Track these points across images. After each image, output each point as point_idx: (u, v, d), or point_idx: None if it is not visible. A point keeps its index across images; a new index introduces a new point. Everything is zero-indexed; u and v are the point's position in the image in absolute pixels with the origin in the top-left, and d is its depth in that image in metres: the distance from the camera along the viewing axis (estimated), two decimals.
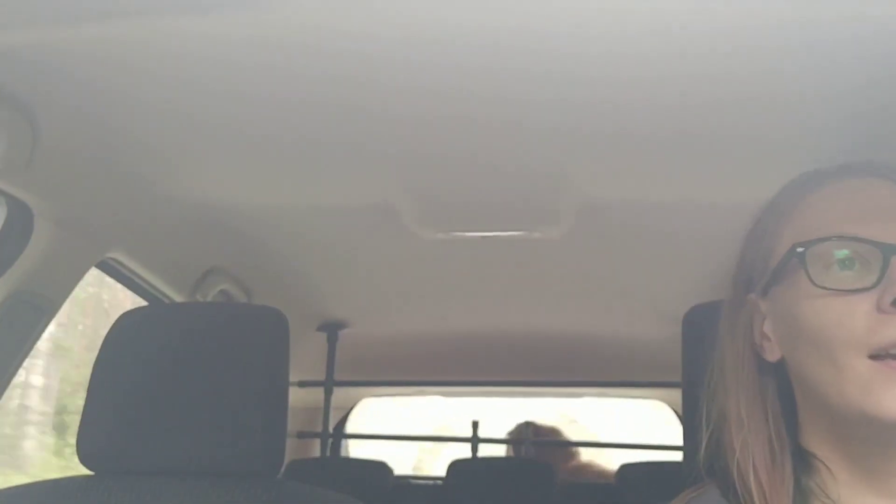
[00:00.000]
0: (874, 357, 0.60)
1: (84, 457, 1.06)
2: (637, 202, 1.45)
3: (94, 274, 1.53)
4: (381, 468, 2.66)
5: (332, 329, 2.46)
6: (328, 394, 2.66)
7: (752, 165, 1.25)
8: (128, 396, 1.06)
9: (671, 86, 1.03)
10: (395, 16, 0.89)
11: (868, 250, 0.62)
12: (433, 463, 4.27)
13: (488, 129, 1.17)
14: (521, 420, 2.98)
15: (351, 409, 3.21)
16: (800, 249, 0.64)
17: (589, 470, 2.93)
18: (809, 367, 0.64)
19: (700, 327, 0.89)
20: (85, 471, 1.07)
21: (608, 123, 1.15)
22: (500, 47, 0.94)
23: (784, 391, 0.69)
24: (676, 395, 0.99)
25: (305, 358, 2.51)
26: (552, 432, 3.02)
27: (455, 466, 2.54)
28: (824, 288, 0.62)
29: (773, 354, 0.69)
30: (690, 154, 1.25)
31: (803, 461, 0.67)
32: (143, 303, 1.72)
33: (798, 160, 0.74)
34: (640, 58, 0.96)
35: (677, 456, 1.76)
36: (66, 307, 1.43)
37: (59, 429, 3.65)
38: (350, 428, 3.18)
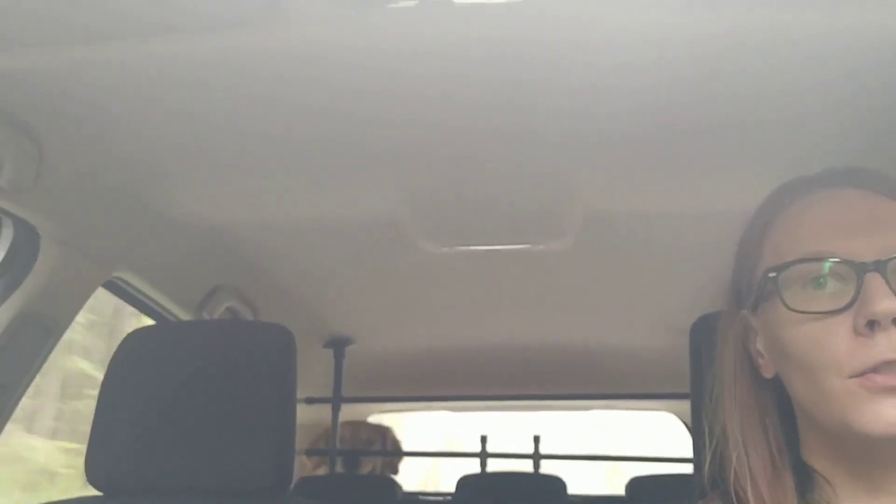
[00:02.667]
0: (854, 376, 0.59)
1: (92, 477, 1.05)
2: (642, 213, 1.45)
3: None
4: (389, 484, 2.65)
5: (338, 345, 2.45)
6: (336, 410, 2.65)
7: (757, 175, 1.24)
8: (136, 416, 1.06)
9: (677, 98, 1.03)
10: (397, 32, 0.90)
11: (841, 267, 0.61)
12: (441, 478, 4.24)
13: (492, 144, 1.18)
14: (530, 434, 2.95)
15: None
16: (772, 275, 0.64)
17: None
18: (796, 385, 0.65)
19: (707, 338, 0.88)
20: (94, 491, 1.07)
21: (613, 136, 1.15)
22: (504, 65, 0.95)
23: (784, 407, 0.69)
24: (685, 406, 0.99)
25: (313, 375, 2.51)
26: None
27: (464, 482, 2.53)
28: (800, 312, 0.62)
29: (768, 371, 0.69)
30: (696, 164, 1.25)
31: (806, 476, 0.67)
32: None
33: (802, 167, 0.74)
34: (646, 71, 0.96)
35: (687, 468, 1.75)
36: None
37: None
38: None
